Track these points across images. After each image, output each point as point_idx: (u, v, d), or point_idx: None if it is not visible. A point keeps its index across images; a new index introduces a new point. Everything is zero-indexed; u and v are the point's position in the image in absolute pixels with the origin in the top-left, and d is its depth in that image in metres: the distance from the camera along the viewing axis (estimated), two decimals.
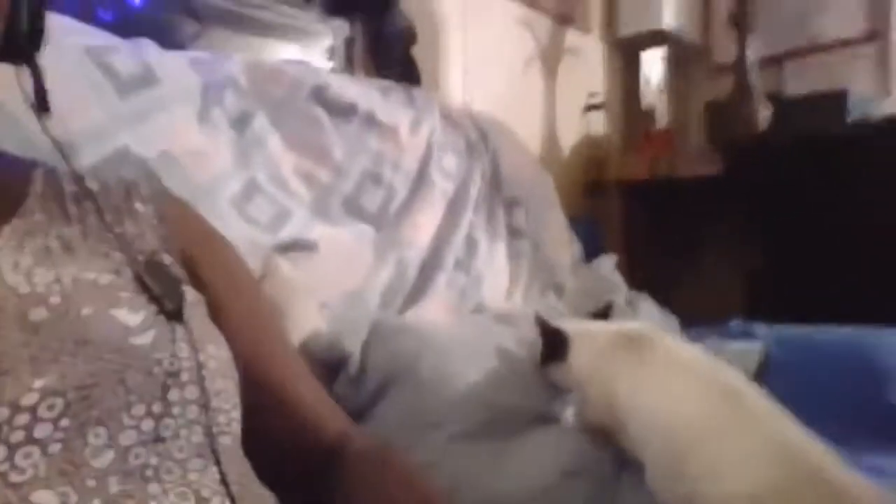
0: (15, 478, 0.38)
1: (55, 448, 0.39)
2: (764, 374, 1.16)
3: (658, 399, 0.80)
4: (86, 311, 0.44)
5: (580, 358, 0.94)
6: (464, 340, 1.05)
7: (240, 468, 0.50)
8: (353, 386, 0.93)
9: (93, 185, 0.57)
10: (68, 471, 0.39)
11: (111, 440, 0.42)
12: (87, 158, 0.82)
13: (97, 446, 0.41)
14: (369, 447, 0.61)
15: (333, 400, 0.67)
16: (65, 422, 0.40)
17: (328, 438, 0.61)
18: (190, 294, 0.54)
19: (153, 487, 0.42)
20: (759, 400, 0.76)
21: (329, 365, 0.93)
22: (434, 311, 1.23)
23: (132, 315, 0.46)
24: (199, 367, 0.48)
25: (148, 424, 0.43)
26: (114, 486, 0.41)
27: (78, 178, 0.57)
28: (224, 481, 0.46)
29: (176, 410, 0.45)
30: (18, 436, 0.38)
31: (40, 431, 0.39)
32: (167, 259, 0.56)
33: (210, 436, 0.47)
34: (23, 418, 0.39)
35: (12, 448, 0.38)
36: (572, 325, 0.99)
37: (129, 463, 0.42)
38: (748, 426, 0.72)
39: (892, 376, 1.08)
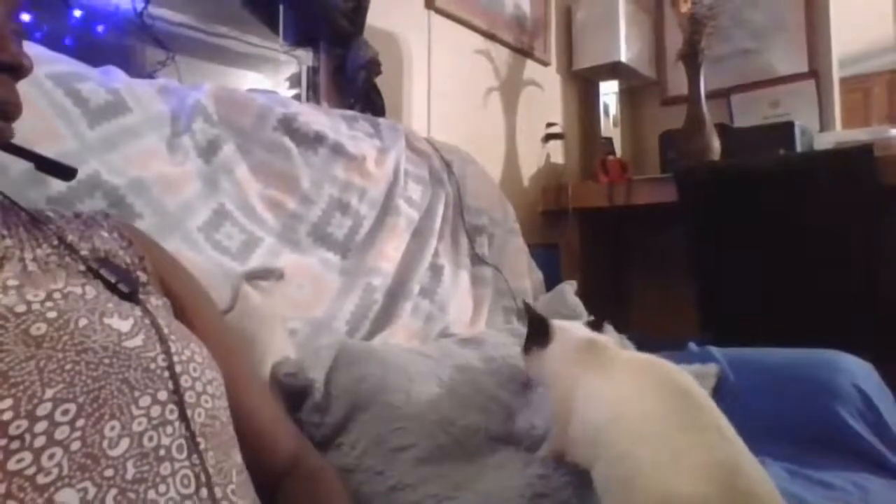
0: (42, 479, 0.41)
1: (76, 445, 0.43)
2: (718, 395, 1.19)
3: (611, 396, 0.82)
4: (82, 322, 0.48)
5: (555, 352, 0.96)
6: (428, 363, 1.06)
7: (225, 454, 0.53)
8: (320, 413, 0.93)
9: (49, 213, 0.62)
10: (87, 465, 0.42)
11: (125, 429, 0.45)
12: (57, 185, 0.82)
13: (112, 437, 0.44)
14: (315, 467, 0.67)
15: (299, 426, 0.70)
16: (80, 422, 0.44)
17: (281, 460, 0.67)
18: (156, 297, 0.59)
19: (165, 467, 0.46)
20: (708, 407, 0.77)
21: (295, 392, 0.94)
22: (400, 337, 1.24)
23: (123, 322, 0.50)
24: (189, 360, 0.52)
25: (156, 410, 0.48)
26: (130, 470, 0.44)
27: (36, 211, 0.61)
28: (208, 467, 0.50)
29: (176, 397, 0.50)
30: (41, 441, 0.42)
31: (60, 434, 0.42)
32: (143, 277, 0.61)
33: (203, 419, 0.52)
34: (41, 425, 0.42)
35: (37, 452, 0.41)
36: (557, 321, 1.01)
37: (144, 446, 0.46)
38: (696, 432, 0.73)
39: (839, 396, 1.12)
